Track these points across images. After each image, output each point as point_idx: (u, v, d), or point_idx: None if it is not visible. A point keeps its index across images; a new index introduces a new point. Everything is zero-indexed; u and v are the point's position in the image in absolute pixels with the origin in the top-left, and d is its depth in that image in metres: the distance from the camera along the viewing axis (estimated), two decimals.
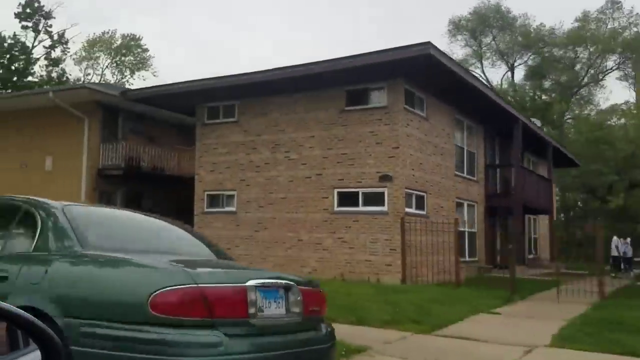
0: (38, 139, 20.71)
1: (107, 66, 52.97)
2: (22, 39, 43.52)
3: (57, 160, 20.48)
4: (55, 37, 43.88)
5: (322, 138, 15.65)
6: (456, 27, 52.97)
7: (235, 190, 17.10)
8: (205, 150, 17.83)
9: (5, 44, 42.18)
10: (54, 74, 44.94)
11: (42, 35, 44.10)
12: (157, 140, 21.88)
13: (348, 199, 15.11)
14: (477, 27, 52.03)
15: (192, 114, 18.59)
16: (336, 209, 15.26)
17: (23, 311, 1.60)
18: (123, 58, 52.72)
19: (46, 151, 20.62)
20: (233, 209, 17.08)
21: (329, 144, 15.52)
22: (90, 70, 52.35)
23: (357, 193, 14.97)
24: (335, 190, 15.29)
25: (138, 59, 53.23)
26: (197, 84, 17.20)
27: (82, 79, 50.50)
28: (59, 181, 20.23)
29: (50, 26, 43.79)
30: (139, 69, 52.87)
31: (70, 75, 48.01)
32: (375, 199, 14.72)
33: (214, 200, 17.59)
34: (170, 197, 23.00)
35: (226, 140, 17.43)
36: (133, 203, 21.37)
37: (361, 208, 14.90)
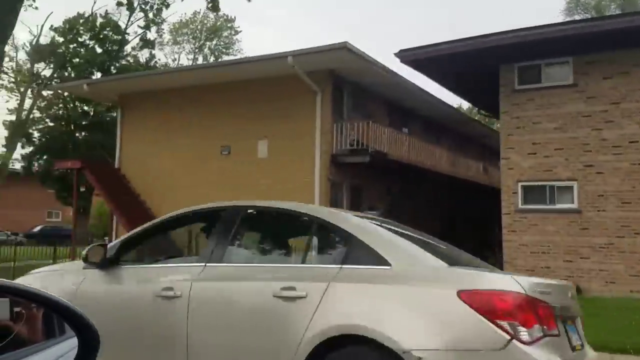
0: (250, 118, 16.17)
1: (189, 51, 48.66)
2: (115, 18, 39.30)
3: (274, 145, 15.92)
4: (151, 15, 39.46)
5: None
6: (575, 4, 48.26)
7: (575, 179, 12.37)
8: (517, 126, 13.10)
9: (97, 23, 38.01)
10: (142, 59, 40.72)
11: (136, 14, 39.73)
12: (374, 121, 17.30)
13: None
14: (599, 3, 47.44)
15: (489, 79, 13.85)
16: None
17: (61, 297, 1.59)
18: (208, 42, 48.27)
19: (259, 133, 16.06)
20: (572, 205, 12.34)
21: None
22: (175, 56, 48.04)
23: None
24: None
25: (223, 43, 48.76)
26: (505, 37, 12.55)
27: (168, 64, 46.14)
28: (279, 171, 15.70)
29: (146, 4, 39.36)
30: (225, 54, 48.35)
31: (158, 60, 43.81)
32: None
33: (533, 194, 12.87)
34: (402, 189, 18.47)
35: (555, 111, 12.69)
36: (357, 197, 16.89)
37: None
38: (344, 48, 13.73)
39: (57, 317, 1.69)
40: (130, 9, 39.93)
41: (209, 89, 16.85)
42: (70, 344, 1.61)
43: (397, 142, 16.76)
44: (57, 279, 4.36)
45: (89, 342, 1.56)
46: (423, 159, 17.90)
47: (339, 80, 15.93)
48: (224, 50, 49.20)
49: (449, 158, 19.50)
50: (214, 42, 48.18)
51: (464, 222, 21.89)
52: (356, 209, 16.58)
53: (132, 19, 39.78)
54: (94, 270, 4.07)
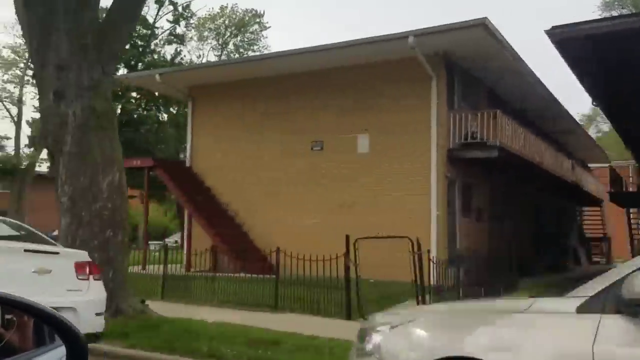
0: (347, 109, 14.37)
1: (214, 47, 46.61)
2: (143, 12, 37.23)
3: (377, 139, 14.08)
4: (180, 9, 37.39)
5: None
6: None
7: None
8: None
9: None
10: (167, 55, 38.63)
11: (164, 8, 37.64)
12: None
13: None
14: None
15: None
16: None
17: (50, 308, 1.61)
18: (233, 39, 46.18)
19: (359, 126, 14.24)
20: None
21: None
22: (200, 52, 45.99)
23: None
24: None
25: (247, 39, 46.69)
26: None
27: (192, 60, 44.12)
28: (382, 168, 13.88)
29: None
30: (250, 50, 46.31)
31: (184, 57, 41.70)
32: None
33: None
34: (507, 185, 16.63)
35: None
36: (468, 196, 15.04)
37: None
38: (481, 25, 11.86)
39: (46, 326, 1.69)
40: (159, 2, 38.05)
41: (297, 78, 15.01)
42: (59, 352, 1.64)
43: (515, 136, 14.90)
44: (520, 330, 2.93)
45: (76, 352, 1.59)
46: (533, 154, 16.06)
47: (451, 64, 14.10)
48: (247, 46, 47.21)
49: (552, 154, 17.64)
50: (239, 38, 46.20)
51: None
52: (467, 209, 14.77)
53: (160, 12, 37.89)
54: (605, 318, 2.72)
